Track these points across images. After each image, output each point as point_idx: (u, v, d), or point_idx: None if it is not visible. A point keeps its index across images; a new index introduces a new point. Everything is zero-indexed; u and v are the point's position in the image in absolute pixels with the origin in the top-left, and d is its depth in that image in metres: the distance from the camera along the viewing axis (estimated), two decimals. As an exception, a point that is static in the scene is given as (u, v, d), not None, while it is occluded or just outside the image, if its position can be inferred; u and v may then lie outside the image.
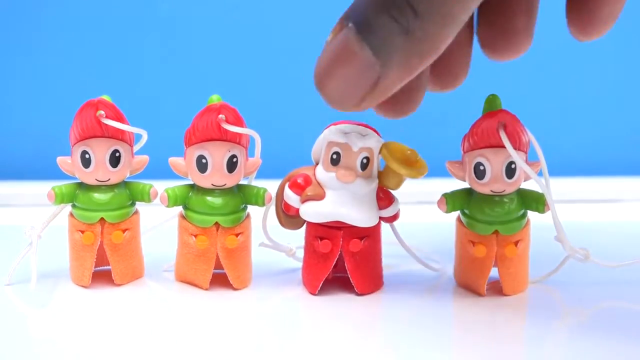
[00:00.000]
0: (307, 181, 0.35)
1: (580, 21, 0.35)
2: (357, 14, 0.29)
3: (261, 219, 0.37)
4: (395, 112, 0.34)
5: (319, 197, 0.35)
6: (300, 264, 0.38)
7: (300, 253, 0.38)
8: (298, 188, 0.35)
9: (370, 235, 0.36)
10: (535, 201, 0.35)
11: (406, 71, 0.29)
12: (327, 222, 0.35)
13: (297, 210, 0.36)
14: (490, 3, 0.35)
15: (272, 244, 0.38)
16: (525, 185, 0.36)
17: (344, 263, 0.36)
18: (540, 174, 0.35)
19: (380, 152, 0.35)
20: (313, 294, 0.36)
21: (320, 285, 0.36)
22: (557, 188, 0.38)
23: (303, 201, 0.35)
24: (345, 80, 0.29)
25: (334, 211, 0.35)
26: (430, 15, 0.27)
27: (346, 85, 0.29)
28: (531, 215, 0.36)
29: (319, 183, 0.35)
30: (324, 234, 0.35)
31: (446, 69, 0.34)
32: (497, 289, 0.37)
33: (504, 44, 0.35)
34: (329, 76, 0.30)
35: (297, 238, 0.38)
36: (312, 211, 0.35)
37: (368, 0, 0.29)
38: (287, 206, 0.36)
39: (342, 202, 0.35)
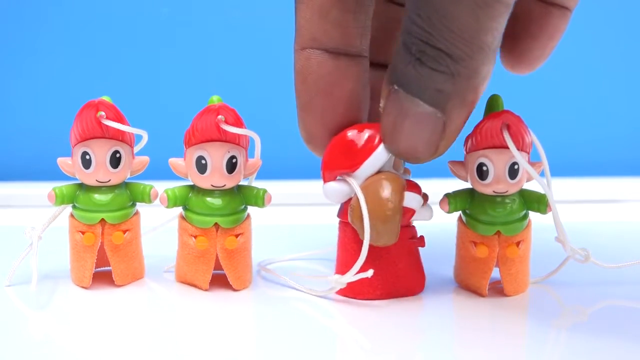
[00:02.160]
0: (414, 183, 0.35)
1: (512, 59, 0.37)
2: (398, 75, 0.29)
3: (264, 221, 0.37)
4: (528, 67, 0.36)
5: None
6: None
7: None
8: (419, 190, 0.35)
9: None
10: (537, 202, 0.35)
11: (467, 108, 0.30)
12: (410, 221, 0.35)
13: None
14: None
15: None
16: (526, 185, 0.36)
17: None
18: (542, 174, 0.35)
19: None
20: (421, 291, 0.37)
21: None
22: (558, 188, 0.38)
23: (424, 205, 0.35)
24: (414, 137, 0.30)
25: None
26: (466, 52, 0.28)
27: (416, 140, 0.30)
28: (530, 215, 0.36)
29: None
30: (414, 233, 0.36)
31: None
32: (497, 290, 0.37)
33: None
34: (397, 138, 0.30)
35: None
36: (431, 211, 0.35)
37: (402, 60, 0.29)
38: (412, 214, 0.35)
39: None
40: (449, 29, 0.27)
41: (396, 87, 0.29)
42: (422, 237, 0.36)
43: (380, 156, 0.33)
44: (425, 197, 0.35)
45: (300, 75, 0.33)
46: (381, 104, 0.31)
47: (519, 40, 0.36)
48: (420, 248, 0.37)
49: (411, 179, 0.35)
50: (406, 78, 0.29)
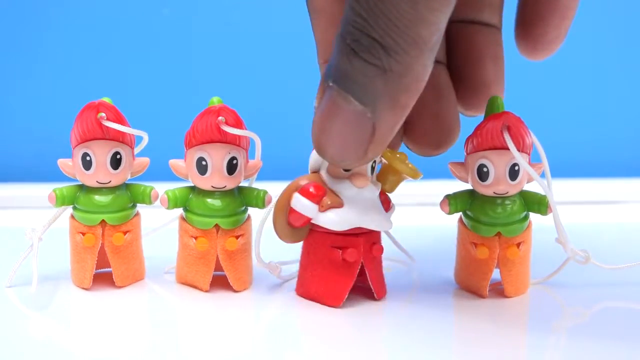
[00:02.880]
0: (320, 189, 0.34)
1: (528, 46, 0.35)
2: (334, 71, 0.28)
3: (264, 222, 0.37)
4: (434, 147, 0.34)
5: (339, 204, 0.34)
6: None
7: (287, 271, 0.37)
8: (314, 197, 0.34)
9: (378, 240, 0.36)
10: (537, 203, 0.35)
11: (399, 111, 0.28)
12: (346, 231, 0.34)
13: (307, 220, 0.34)
14: (457, 56, 0.35)
15: (264, 264, 0.37)
16: (526, 187, 0.36)
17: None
18: (542, 175, 0.35)
19: (382, 155, 0.35)
20: (338, 306, 0.35)
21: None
22: (558, 189, 0.38)
23: (324, 210, 0.34)
24: (342, 138, 0.28)
25: (358, 217, 0.34)
26: (400, 45, 0.26)
27: (345, 142, 0.28)
28: (531, 216, 0.36)
29: (331, 191, 0.34)
30: (344, 242, 0.34)
31: (438, 128, 0.34)
32: (497, 291, 0.37)
33: (477, 100, 0.35)
34: (326, 139, 0.29)
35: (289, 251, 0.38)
36: (337, 220, 0.34)
37: (338, 53, 0.28)
38: (297, 217, 0.34)
39: (362, 208, 0.34)
40: (385, 15, 0.26)
41: (330, 84, 0.28)
42: (346, 250, 0.34)
43: (313, 155, 0.34)
44: (327, 204, 0.34)
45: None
46: (315, 103, 0.29)
47: (531, 25, 0.35)
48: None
49: (311, 190, 0.34)
50: (340, 72, 0.27)
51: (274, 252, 0.38)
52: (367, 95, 0.27)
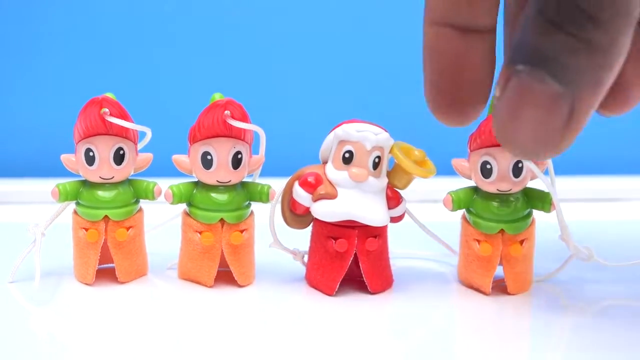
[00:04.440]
0: (318, 180, 0.35)
1: (614, 102, 0.33)
2: (523, 52, 0.25)
3: (266, 218, 0.37)
4: (616, 110, 0.32)
5: (332, 196, 0.35)
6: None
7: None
8: (309, 186, 0.35)
9: (381, 234, 0.36)
10: (540, 200, 0.35)
11: (599, 89, 0.25)
12: (340, 222, 0.35)
13: (307, 209, 0.35)
14: None
15: (282, 246, 0.37)
16: (530, 184, 0.36)
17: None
18: (546, 172, 0.35)
19: (390, 151, 0.35)
20: (330, 294, 0.36)
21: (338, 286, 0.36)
22: (562, 187, 0.38)
23: (315, 200, 0.35)
24: (535, 126, 0.25)
25: (348, 210, 0.34)
26: (612, 20, 0.24)
27: (538, 131, 0.26)
28: (534, 213, 0.36)
29: (329, 182, 0.35)
30: (338, 233, 0.35)
31: (619, 89, 0.32)
32: (500, 288, 0.37)
33: (613, 101, 0.32)
34: (515, 128, 0.26)
35: (301, 239, 0.38)
36: (326, 210, 0.35)
37: (533, 30, 0.25)
38: (296, 205, 0.35)
39: (355, 201, 0.34)
40: None
41: (520, 67, 0.25)
42: (340, 241, 0.35)
43: (323, 146, 0.36)
44: (319, 194, 0.35)
45: (428, 50, 0.31)
46: (496, 93, 0.27)
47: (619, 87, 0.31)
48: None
49: (309, 180, 0.35)
50: (535, 51, 0.25)
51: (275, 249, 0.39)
52: (567, 74, 0.25)
